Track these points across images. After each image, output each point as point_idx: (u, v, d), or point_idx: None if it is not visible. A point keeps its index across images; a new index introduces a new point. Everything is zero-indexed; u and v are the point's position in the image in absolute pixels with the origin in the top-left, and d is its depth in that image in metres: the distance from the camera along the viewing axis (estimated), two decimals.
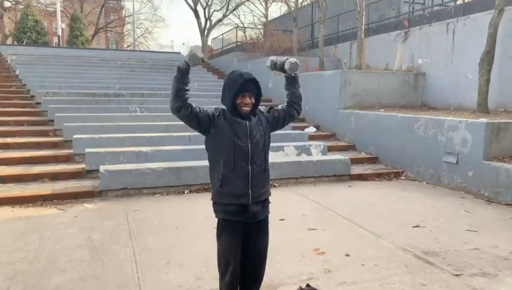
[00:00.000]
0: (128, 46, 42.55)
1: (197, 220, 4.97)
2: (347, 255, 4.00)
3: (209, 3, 28.66)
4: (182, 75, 2.55)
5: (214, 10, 29.46)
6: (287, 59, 2.81)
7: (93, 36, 35.08)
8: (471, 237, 4.55)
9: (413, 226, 4.87)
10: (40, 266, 3.69)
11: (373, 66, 12.25)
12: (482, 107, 7.64)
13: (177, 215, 5.25)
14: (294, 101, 2.88)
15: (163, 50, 33.79)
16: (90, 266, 3.71)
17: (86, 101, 10.32)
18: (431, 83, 10.35)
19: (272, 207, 2.81)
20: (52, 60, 15.61)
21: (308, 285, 3.32)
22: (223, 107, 2.67)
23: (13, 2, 31.43)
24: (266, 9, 28.10)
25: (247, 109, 2.60)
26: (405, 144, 7.79)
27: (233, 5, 29.63)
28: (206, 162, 2.72)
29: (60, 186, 6.17)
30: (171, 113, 2.69)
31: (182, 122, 2.69)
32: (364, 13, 11.72)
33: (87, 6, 35.95)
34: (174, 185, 6.36)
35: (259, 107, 2.73)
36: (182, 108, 2.56)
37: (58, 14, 26.82)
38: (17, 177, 6.44)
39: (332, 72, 10.69)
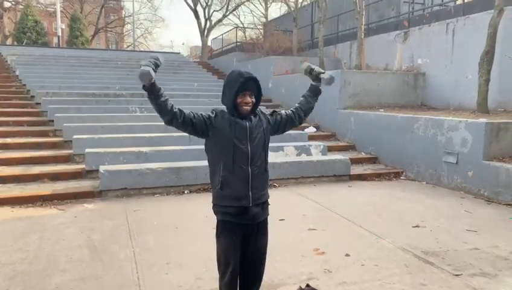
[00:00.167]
0: (128, 47, 42.55)
1: (197, 220, 4.97)
2: (347, 255, 4.00)
3: (209, 4, 28.74)
4: (149, 92, 2.47)
5: (214, 10, 29.58)
6: (326, 71, 2.83)
7: (93, 36, 35.08)
8: (471, 237, 4.56)
9: (413, 226, 4.87)
10: (40, 266, 3.69)
11: (373, 66, 12.25)
12: (482, 107, 7.64)
13: (177, 216, 5.25)
14: (304, 111, 2.89)
15: (163, 50, 33.78)
16: (90, 266, 3.71)
17: (85, 102, 10.33)
18: (431, 83, 10.35)
19: (271, 207, 2.81)
20: (52, 61, 15.60)
21: (308, 285, 3.32)
22: (222, 107, 2.66)
23: (13, 2, 31.41)
24: (266, 9, 28.12)
25: (248, 108, 2.59)
26: (405, 144, 7.79)
27: (233, 5, 29.73)
28: (206, 162, 2.70)
29: (60, 187, 6.17)
30: None
31: None
32: (364, 13, 11.72)
33: (87, 7, 35.94)
34: (174, 185, 6.36)
35: (259, 107, 2.73)
36: (173, 119, 2.53)
37: (58, 14, 26.82)
38: (17, 177, 6.44)
39: (332, 72, 10.69)
